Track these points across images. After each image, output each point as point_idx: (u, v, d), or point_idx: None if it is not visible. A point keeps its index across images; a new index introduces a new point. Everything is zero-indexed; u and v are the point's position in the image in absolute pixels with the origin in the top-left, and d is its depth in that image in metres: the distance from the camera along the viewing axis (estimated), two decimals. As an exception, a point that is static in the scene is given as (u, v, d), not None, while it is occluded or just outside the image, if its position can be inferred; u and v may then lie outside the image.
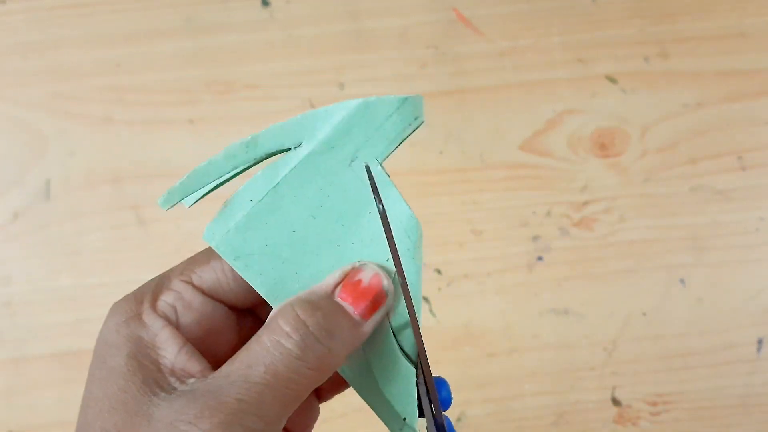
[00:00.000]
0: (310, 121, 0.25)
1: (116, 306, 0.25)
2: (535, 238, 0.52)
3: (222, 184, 0.25)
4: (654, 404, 0.52)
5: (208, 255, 0.26)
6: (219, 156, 0.25)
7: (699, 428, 0.52)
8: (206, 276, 0.25)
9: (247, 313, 0.27)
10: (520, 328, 0.52)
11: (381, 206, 0.25)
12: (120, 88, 0.53)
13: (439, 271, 0.52)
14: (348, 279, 0.24)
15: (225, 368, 0.23)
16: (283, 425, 0.23)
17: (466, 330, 0.52)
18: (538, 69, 0.53)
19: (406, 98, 0.25)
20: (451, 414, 0.51)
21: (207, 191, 0.25)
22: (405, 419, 0.25)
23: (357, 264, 0.25)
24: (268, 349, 0.22)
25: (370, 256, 0.25)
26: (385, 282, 0.24)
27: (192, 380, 0.23)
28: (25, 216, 0.52)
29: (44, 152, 0.52)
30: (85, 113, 0.52)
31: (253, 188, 0.25)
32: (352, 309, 0.24)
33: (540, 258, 0.52)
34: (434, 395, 0.25)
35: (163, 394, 0.22)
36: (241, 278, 0.26)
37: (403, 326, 0.26)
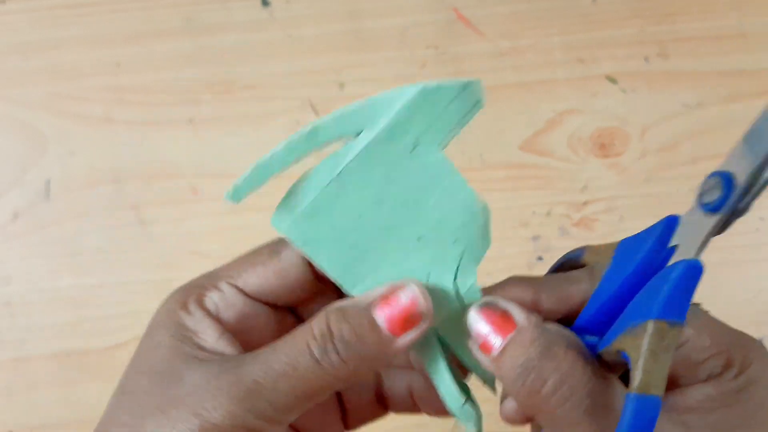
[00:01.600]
0: (371, 109, 0.25)
1: (169, 295, 0.27)
2: (535, 238, 0.52)
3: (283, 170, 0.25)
4: (654, 404, 0.52)
5: (254, 260, 0.27)
6: (280, 148, 0.25)
7: (699, 428, 0.52)
8: (251, 280, 0.27)
9: (287, 311, 0.29)
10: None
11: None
12: (120, 88, 0.53)
13: (439, 271, 0.52)
14: (388, 295, 0.25)
15: (257, 351, 0.24)
16: (291, 418, 0.24)
17: (466, 330, 0.52)
18: (538, 69, 0.53)
19: (467, 84, 0.25)
20: (451, 414, 0.51)
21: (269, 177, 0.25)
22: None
23: (401, 282, 0.25)
24: (295, 344, 0.24)
25: (437, 238, 0.26)
26: (422, 303, 0.25)
27: (227, 357, 0.25)
28: (24, 216, 0.52)
29: (44, 152, 0.52)
30: (85, 113, 0.52)
31: (317, 176, 0.25)
32: (385, 324, 0.24)
33: (540, 258, 0.52)
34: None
35: (198, 364, 0.24)
36: (285, 283, 0.27)
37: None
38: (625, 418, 0.21)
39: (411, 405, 0.30)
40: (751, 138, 0.22)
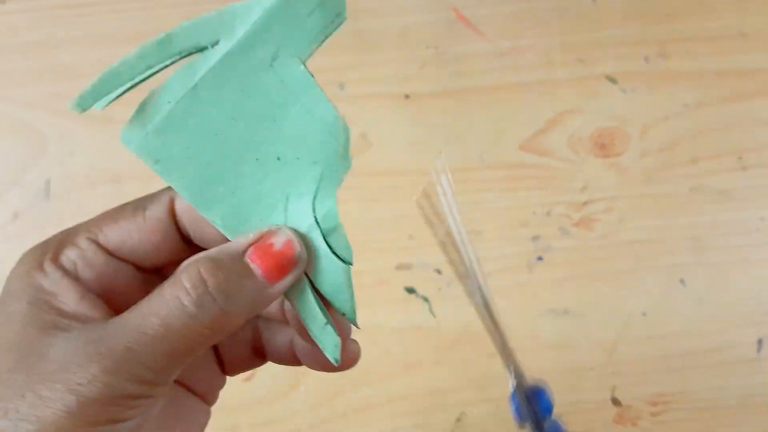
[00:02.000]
0: (228, 18, 0.24)
1: (23, 256, 0.25)
2: (535, 238, 0.52)
3: (136, 85, 0.24)
4: (654, 404, 0.52)
5: (116, 214, 0.26)
6: (131, 55, 0.23)
7: (699, 428, 0.52)
8: (112, 235, 0.25)
9: (155, 274, 0.27)
10: (519, 329, 0.52)
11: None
12: (120, 88, 0.53)
13: (439, 271, 0.52)
14: (261, 242, 0.24)
15: (123, 315, 0.23)
16: (173, 376, 0.23)
17: (466, 330, 0.52)
18: (538, 69, 0.53)
19: None
20: (450, 414, 0.51)
21: (120, 93, 0.24)
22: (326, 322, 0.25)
23: (273, 227, 0.25)
24: (166, 302, 0.22)
25: (295, 155, 0.25)
26: (298, 248, 0.24)
27: (91, 324, 0.23)
28: (25, 216, 0.52)
29: (44, 152, 0.52)
30: (85, 113, 0.52)
31: (170, 89, 0.24)
32: (260, 271, 0.24)
33: (540, 258, 0.52)
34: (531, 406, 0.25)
35: (60, 334, 0.23)
36: (149, 241, 0.25)
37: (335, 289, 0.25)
38: None
39: (291, 358, 0.29)
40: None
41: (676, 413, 0.52)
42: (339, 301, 0.25)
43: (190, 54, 0.24)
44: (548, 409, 0.25)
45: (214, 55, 0.24)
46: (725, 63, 0.54)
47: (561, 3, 0.54)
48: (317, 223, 0.25)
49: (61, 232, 0.26)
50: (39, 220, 0.52)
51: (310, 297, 0.25)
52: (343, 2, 0.24)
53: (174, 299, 0.22)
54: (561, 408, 0.52)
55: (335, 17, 0.24)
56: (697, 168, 0.53)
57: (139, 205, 0.26)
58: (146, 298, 0.23)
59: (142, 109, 0.24)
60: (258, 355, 0.30)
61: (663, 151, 0.53)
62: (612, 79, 0.53)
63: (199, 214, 0.25)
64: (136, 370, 0.22)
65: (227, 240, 0.25)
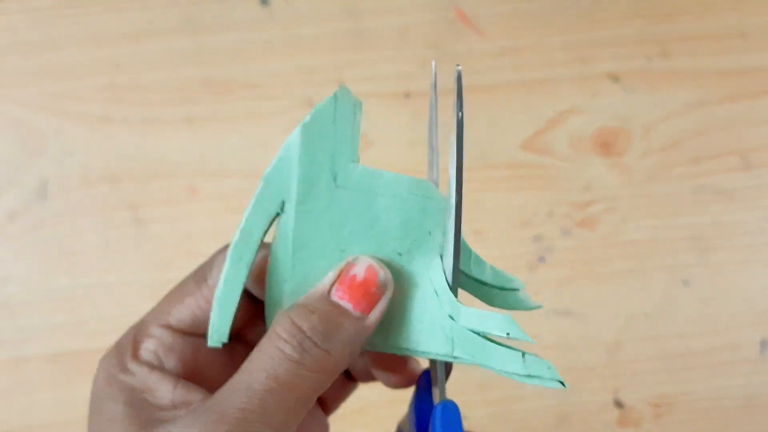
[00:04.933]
0: (275, 181, 0.25)
1: (101, 362, 0.25)
2: (537, 238, 0.52)
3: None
4: (656, 406, 0.51)
5: (180, 293, 0.25)
6: (227, 270, 0.24)
7: (701, 429, 0.51)
8: (181, 315, 0.25)
9: (235, 339, 0.27)
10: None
11: (461, 113, 0.24)
12: (118, 88, 0.52)
13: (439, 272, 0.52)
14: (342, 276, 0.24)
15: (228, 383, 0.23)
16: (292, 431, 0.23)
17: (466, 331, 0.51)
18: (539, 68, 0.53)
19: (335, 97, 0.25)
20: (451, 415, 0.51)
21: (238, 306, 0.25)
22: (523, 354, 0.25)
23: (350, 259, 0.24)
24: (268, 355, 0.22)
25: (412, 241, 0.25)
26: (381, 272, 0.24)
27: (194, 406, 0.23)
28: (22, 216, 0.51)
29: (42, 152, 0.52)
30: (83, 113, 0.52)
31: (276, 266, 0.25)
32: (351, 306, 0.23)
33: (541, 258, 0.52)
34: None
35: (164, 425, 0.22)
36: None
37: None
38: None
39: (371, 377, 0.30)
40: None
41: (679, 414, 0.51)
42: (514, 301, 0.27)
43: (269, 227, 0.25)
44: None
45: (289, 215, 0.25)
46: (727, 62, 0.53)
47: (562, 2, 0.54)
48: (471, 277, 0.26)
49: (131, 329, 0.26)
50: (36, 220, 0.51)
51: (491, 347, 0.25)
52: (350, 94, 0.25)
53: (275, 350, 0.22)
54: (563, 409, 0.52)
55: (353, 107, 0.25)
56: (700, 167, 0.52)
57: (199, 276, 0.26)
58: (247, 360, 0.23)
59: (269, 297, 0.25)
60: (349, 378, 0.30)
61: (665, 151, 0.53)
62: (614, 79, 0.53)
63: (261, 270, 0.25)
64: (254, 429, 0.21)
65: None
